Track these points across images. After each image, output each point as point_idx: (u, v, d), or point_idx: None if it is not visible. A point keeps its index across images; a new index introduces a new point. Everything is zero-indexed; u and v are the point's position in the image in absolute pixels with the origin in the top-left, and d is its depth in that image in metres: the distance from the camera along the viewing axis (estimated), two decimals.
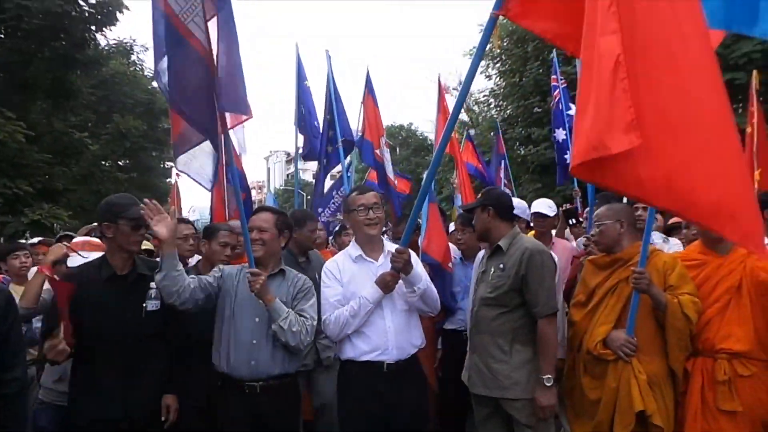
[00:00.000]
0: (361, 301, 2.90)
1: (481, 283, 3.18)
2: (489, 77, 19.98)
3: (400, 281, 2.96)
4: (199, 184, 4.63)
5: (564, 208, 5.43)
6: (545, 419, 2.89)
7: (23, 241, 6.31)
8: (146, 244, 4.32)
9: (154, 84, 21.50)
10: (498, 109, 20.12)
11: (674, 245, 4.12)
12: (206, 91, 2.85)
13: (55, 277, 2.93)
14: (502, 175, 8.69)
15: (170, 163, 24.93)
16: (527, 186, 16.61)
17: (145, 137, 17.77)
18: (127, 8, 13.20)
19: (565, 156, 6.51)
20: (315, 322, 3.03)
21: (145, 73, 20.96)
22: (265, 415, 2.89)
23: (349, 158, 6.81)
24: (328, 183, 7.14)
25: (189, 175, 4.45)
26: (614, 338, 2.87)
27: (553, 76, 7.22)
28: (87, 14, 12.65)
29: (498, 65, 19.18)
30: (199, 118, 2.93)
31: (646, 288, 2.78)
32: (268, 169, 69.87)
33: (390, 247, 3.14)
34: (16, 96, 12.90)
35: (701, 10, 2.08)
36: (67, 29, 12.41)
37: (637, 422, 2.77)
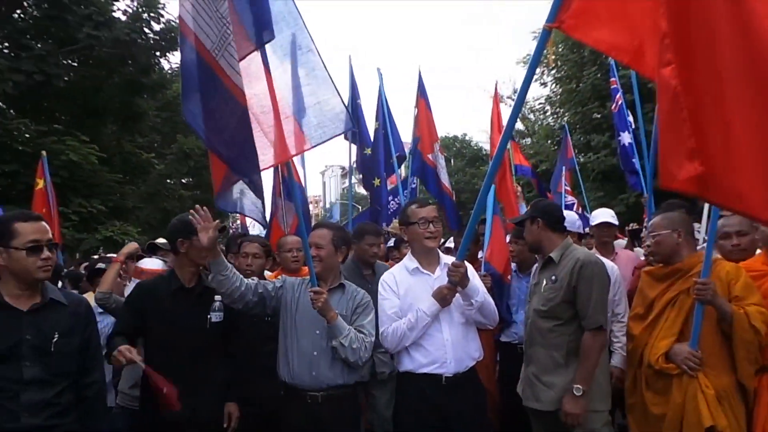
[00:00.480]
0: (419, 314, 2.92)
1: (534, 296, 3.16)
2: (544, 84, 19.66)
3: (458, 294, 2.95)
4: (255, 220, 4.41)
5: (630, 228, 5.28)
6: (570, 427, 2.86)
7: (96, 256, 6.69)
8: None
9: None
10: (555, 116, 19.72)
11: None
12: (242, 130, 2.85)
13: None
14: (563, 181, 8.41)
15: None
16: (588, 194, 16.15)
17: (206, 156, 18.43)
18: None
19: (633, 160, 6.26)
20: (373, 338, 3.07)
21: None
22: (326, 424, 2.94)
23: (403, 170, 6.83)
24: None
25: (243, 214, 4.40)
26: (678, 352, 2.77)
27: (612, 79, 7.02)
28: (152, 41, 13.33)
29: (554, 72, 18.84)
30: (238, 158, 2.91)
31: (711, 299, 2.66)
32: (324, 183, 71.03)
33: (446, 259, 3.16)
34: (89, 120, 13.74)
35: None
36: (134, 56, 13.12)
37: None
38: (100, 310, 4.00)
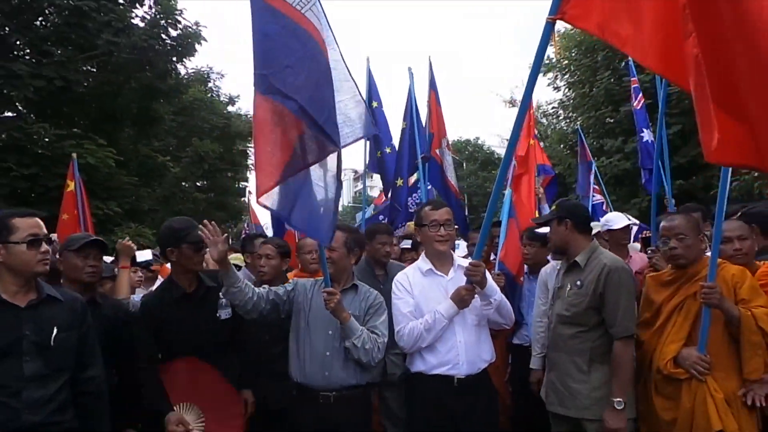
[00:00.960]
0: (436, 315, 2.93)
1: (558, 300, 3.11)
2: (557, 89, 19.59)
3: (475, 296, 2.98)
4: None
5: (644, 235, 5.29)
6: None
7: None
8: None
9: (230, 108, 22.66)
10: (567, 120, 19.65)
11: None
12: (327, 86, 2.70)
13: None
14: (591, 182, 8.26)
15: (244, 183, 26.01)
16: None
17: (221, 159, 18.62)
18: (205, 39, 14.04)
19: (660, 160, 6.19)
20: (386, 339, 3.11)
21: (221, 99, 22.08)
22: (338, 424, 3.00)
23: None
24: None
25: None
26: (686, 356, 2.76)
27: (633, 78, 6.96)
28: (169, 47, 13.53)
29: (567, 76, 18.78)
30: (328, 120, 2.71)
31: (718, 303, 2.66)
32: None
33: (459, 261, 3.19)
34: (107, 124, 13.95)
35: None
36: (151, 61, 13.30)
37: None
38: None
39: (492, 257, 4.44)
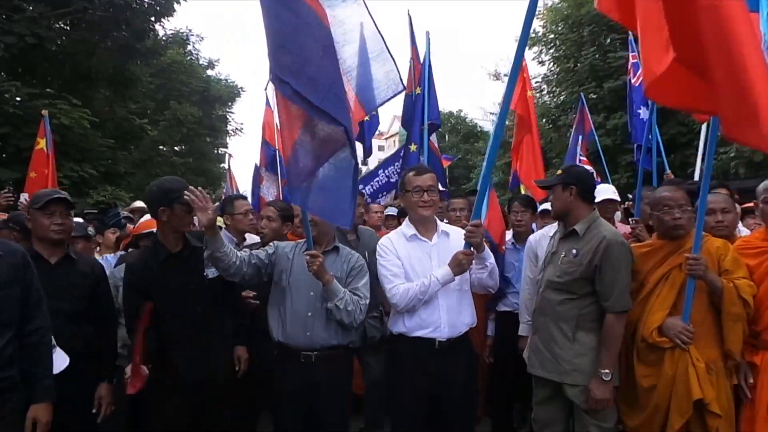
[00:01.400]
0: (432, 279, 2.91)
1: (550, 265, 3.08)
2: (542, 63, 19.51)
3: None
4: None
5: (626, 205, 5.33)
6: (597, 412, 2.83)
7: (121, 210, 6.72)
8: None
9: (209, 72, 22.20)
10: (551, 95, 19.64)
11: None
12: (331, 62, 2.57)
13: None
14: (578, 151, 8.08)
15: (224, 149, 25.67)
16: None
17: (200, 124, 18.32)
18: None
19: (651, 136, 6.21)
20: (368, 301, 3.12)
21: (200, 62, 21.58)
22: (319, 383, 3.01)
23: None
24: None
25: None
26: (671, 325, 2.78)
27: (632, 53, 6.88)
28: (147, 5, 13.10)
29: (552, 51, 18.71)
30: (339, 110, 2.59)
31: (703, 274, 2.69)
32: None
33: (443, 227, 3.17)
34: (81, 84, 13.55)
35: None
36: (128, 20, 12.88)
37: (695, 410, 2.71)
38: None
39: None
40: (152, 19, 13.61)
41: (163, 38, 15.96)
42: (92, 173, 12.11)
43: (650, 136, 5.07)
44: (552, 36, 18.38)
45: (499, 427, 4.23)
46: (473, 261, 2.95)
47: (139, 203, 6.98)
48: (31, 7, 11.86)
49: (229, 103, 22.82)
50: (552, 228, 3.90)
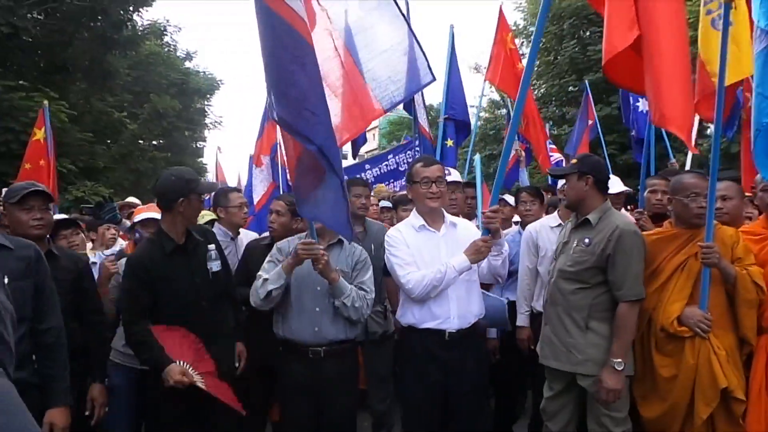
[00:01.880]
0: (448, 267, 2.90)
1: (561, 255, 3.06)
2: (523, 55, 19.57)
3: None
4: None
5: (626, 192, 5.38)
6: (608, 402, 2.81)
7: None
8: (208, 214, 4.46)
9: (187, 64, 21.82)
10: (532, 87, 19.79)
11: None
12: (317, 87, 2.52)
13: None
14: (580, 139, 7.98)
15: (202, 143, 25.32)
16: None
17: (179, 117, 18.01)
18: None
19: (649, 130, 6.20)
20: (373, 295, 3.11)
21: (178, 54, 21.21)
22: (328, 379, 2.97)
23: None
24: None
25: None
26: (690, 315, 2.77)
27: None
28: None
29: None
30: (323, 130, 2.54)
31: (717, 262, 2.71)
32: None
33: (451, 218, 3.17)
34: (57, 76, 13.20)
35: None
36: (105, 10, 12.58)
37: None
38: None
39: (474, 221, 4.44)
40: (131, 9, 13.30)
41: (141, 29, 15.60)
42: (71, 168, 11.84)
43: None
44: (533, 29, 18.48)
45: (502, 416, 4.24)
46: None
47: (132, 199, 6.83)
48: None
49: (208, 96, 22.50)
50: (553, 218, 3.93)
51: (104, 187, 12.68)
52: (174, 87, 18.85)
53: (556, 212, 4.01)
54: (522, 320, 3.76)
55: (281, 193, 6.10)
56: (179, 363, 2.79)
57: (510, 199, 4.78)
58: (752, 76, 2.98)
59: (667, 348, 2.86)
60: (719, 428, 2.74)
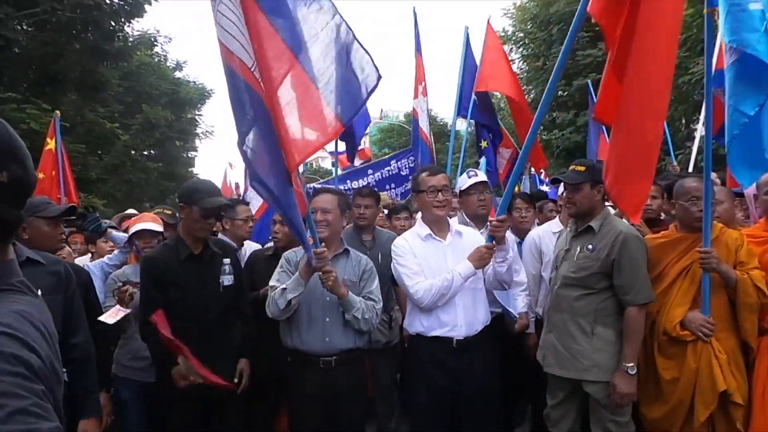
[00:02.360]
0: (454, 274, 2.94)
1: (564, 262, 3.09)
2: (512, 61, 19.77)
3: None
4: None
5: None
6: (621, 406, 2.85)
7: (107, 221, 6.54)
8: None
9: (178, 74, 21.78)
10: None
11: None
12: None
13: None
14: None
15: (193, 153, 25.24)
16: (552, 171, 16.54)
17: (170, 127, 17.97)
18: None
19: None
20: (381, 304, 3.14)
21: (169, 64, 21.18)
22: (340, 387, 3.00)
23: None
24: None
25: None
26: (692, 319, 2.82)
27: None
28: (116, 6, 12.79)
29: (521, 49, 19.00)
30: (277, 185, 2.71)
31: (715, 267, 2.76)
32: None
33: (456, 227, 3.21)
34: (49, 88, 13.14)
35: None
36: (96, 21, 12.56)
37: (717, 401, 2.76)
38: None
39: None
40: (122, 20, 13.29)
41: (132, 40, 15.58)
42: None
43: None
44: (521, 35, 18.67)
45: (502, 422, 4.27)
46: (495, 255, 3.00)
47: (132, 211, 6.84)
48: None
49: (199, 105, 22.46)
50: (555, 224, 3.98)
51: (97, 198, 12.62)
52: (165, 97, 18.82)
53: (557, 218, 4.07)
54: (530, 327, 3.79)
55: None
56: (182, 359, 2.85)
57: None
58: None
59: (670, 351, 2.91)
60: (719, 430, 2.79)
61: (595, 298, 2.94)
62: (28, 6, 11.64)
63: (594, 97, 7.61)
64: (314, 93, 2.69)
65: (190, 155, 24.49)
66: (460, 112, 6.27)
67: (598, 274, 2.92)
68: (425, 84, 6.64)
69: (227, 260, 3.12)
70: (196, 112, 22.57)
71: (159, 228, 3.68)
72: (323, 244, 2.97)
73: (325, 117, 2.70)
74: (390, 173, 6.44)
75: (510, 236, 4.41)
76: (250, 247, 4.51)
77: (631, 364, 2.81)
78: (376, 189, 6.05)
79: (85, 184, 13.13)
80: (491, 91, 6.38)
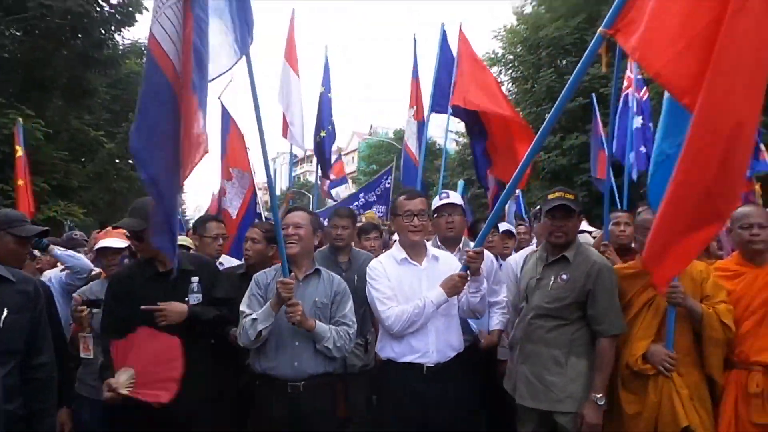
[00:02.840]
0: (426, 301, 2.92)
1: (536, 291, 3.05)
2: (501, 83, 19.99)
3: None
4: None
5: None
6: None
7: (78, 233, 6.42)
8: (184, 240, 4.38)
9: None
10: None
11: None
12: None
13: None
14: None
15: None
16: (537, 192, 16.64)
17: None
18: (147, 9, 13.31)
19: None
20: (355, 327, 3.09)
21: None
22: (307, 413, 2.94)
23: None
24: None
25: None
26: (654, 353, 2.82)
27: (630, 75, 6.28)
28: (107, 14, 12.75)
29: (510, 71, 19.24)
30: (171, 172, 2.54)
31: (682, 301, 2.75)
32: (275, 171, 69.90)
33: (433, 251, 3.19)
34: (34, 93, 13.02)
35: None
36: (86, 29, 12.51)
37: None
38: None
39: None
40: (112, 28, 13.24)
41: (122, 48, 15.50)
42: (44, 187, 11.61)
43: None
44: (511, 57, 18.90)
45: None
46: (468, 284, 2.99)
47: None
48: None
49: None
50: (530, 251, 3.96)
51: (78, 206, 12.45)
52: None
53: (534, 244, 4.06)
54: (503, 354, 3.76)
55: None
56: (123, 371, 2.80)
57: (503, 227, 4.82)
58: None
59: (633, 385, 2.90)
60: None
61: (569, 329, 2.93)
62: (18, 11, 11.58)
63: (597, 113, 7.31)
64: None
65: None
66: (434, 108, 6.19)
67: (573, 305, 2.92)
68: (416, 108, 6.71)
69: (195, 278, 3.05)
70: None
71: (122, 244, 3.61)
72: (294, 267, 2.95)
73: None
74: (381, 190, 6.46)
75: (489, 255, 4.41)
76: (229, 262, 4.46)
77: (600, 395, 2.81)
78: (366, 210, 6.05)
79: (67, 192, 12.98)
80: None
